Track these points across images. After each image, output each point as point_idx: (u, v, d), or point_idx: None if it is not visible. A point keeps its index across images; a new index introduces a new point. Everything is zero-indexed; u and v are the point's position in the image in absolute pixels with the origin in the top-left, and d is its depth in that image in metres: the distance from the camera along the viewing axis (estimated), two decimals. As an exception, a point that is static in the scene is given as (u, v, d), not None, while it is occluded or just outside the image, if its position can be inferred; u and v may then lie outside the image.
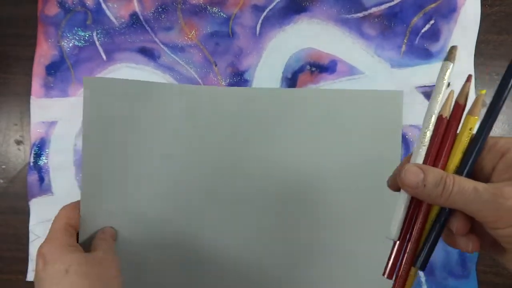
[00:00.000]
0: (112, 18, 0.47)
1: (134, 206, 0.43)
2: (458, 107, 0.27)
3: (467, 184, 0.25)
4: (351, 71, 0.45)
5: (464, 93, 0.27)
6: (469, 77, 0.27)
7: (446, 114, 0.27)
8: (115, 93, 0.42)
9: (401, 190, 0.27)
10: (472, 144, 0.26)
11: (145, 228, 0.44)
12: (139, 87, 0.42)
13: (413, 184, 0.26)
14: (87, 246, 0.40)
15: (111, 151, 0.42)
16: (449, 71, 0.27)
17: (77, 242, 0.40)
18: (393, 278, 0.28)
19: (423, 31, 0.45)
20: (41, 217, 0.46)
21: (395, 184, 0.29)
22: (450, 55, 0.27)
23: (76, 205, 0.41)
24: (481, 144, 0.26)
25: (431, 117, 0.27)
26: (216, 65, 0.46)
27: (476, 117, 0.27)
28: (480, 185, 0.24)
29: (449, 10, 0.45)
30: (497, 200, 0.24)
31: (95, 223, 0.42)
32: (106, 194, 0.43)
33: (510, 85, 0.25)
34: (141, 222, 0.44)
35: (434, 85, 0.45)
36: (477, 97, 0.27)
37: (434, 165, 0.27)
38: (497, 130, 0.44)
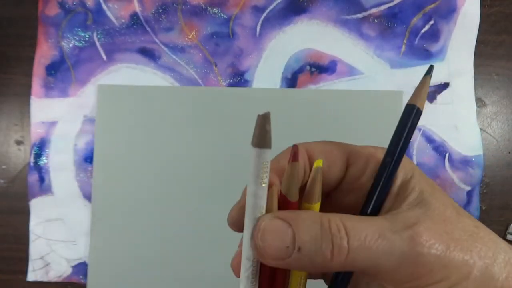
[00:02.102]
0: (113, 18, 0.47)
1: (141, 204, 0.44)
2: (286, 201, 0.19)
3: (367, 231, 0.17)
4: (351, 71, 0.45)
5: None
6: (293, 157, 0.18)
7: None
8: (126, 99, 0.45)
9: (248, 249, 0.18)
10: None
11: (148, 227, 0.44)
12: (145, 92, 0.45)
13: (279, 254, 0.17)
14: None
15: (121, 153, 0.45)
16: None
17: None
18: None
19: (422, 31, 0.45)
20: (41, 217, 0.46)
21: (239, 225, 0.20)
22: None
23: None
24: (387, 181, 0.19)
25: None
26: (216, 66, 0.46)
27: (315, 204, 0.19)
28: (384, 228, 0.17)
29: (448, 11, 0.45)
30: (417, 251, 0.16)
31: (106, 216, 0.43)
32: (116, 194, 0.44)
33: (408, 128, 0.20)
34: (145, 221, 0.44)
35: (434, 86, 0.45)
36: (312, 180, 0.19)
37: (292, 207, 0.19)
38: (497, 130, 0.44)
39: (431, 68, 0.19)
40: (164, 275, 0.44)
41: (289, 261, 0.17)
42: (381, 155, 0.20)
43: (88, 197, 0.46)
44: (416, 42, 0.45)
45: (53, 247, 0.46)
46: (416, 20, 0.45)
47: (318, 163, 0.19)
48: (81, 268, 0.45)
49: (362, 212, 0.19)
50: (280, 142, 0.44)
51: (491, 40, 0.45)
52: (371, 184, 0.19)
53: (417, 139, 0.44)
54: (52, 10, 0.48)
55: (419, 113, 0.19)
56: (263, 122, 0.16)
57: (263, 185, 0.17)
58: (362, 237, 0.17)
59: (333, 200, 0.21)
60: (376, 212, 0.19)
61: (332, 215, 0.17)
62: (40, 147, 0.47)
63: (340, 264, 0.17)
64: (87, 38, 0.47)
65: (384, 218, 0.18)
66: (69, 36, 0.47)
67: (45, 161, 0.47)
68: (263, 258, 0.18)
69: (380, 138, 0.43)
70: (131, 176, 0.45)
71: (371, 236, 0.17)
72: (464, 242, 0.17)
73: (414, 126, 0.20)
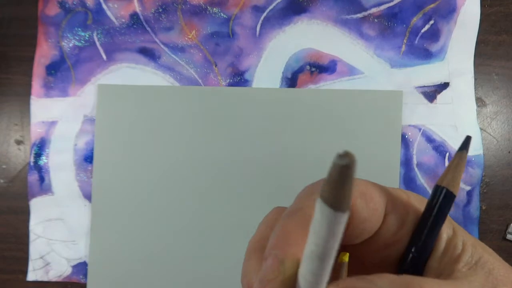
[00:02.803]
0: (113, 18, 0.47)
1: (141, 205, 0.44)
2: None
3: None
4: (351, 71, 0.45)
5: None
6: None
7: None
8: (126, 99, 0.45)
9: None
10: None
11: (148, 227, 0.44)
12: (145, 92, 0.45)
13: None
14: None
15: (121, 152, 0.45)
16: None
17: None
18: None
19: (422, 31, 0.45)
20: (41, 217, 0.46)
21: None
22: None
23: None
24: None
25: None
26: (216, 65, 0.46)
27: None
28: None
29: (448, 10, 0.45)
30: None
31: (106, 216, 0.43)
32: (116, 194, 0.44)
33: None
34: (145, 221, 0.44)
35: (434, 85, 0.45)
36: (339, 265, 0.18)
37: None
38: (497, 129, 0.44)
39: (467, 140, 0.17)
40: (164, 275, 0.44)
41: None
42: (416, 203, 0.18)
43: (88, 197, 0.46)
44: (416, 41, 0.45)
45: (53, 247, 0.46)
46: (416, 19, 0.45)
47: (344, 258, 0.17)
48: (81, 268, 0.45)
49: (401, 270, 0.18)
50: (280, 142, 0.44)
51: (491, 40, 0.45)
52: (411, 238, 0.18)
53: (417, 139, 0.44)
54: (52, 10, 0.48)
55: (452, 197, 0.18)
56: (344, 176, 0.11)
57: (331, 264, 0.13)
58: None
59: (359, 253, 0.19)
60: (420, 271, 0.18)
61: (424, 282, 0.15)
62: (40, 147, 0.47)
63: None
64: (87, 38, 0.47)
65: (462, 284, 0.16)
66: (69, 36, 0.47)
67: (45, 161, 0.47)
68: None
69: (380, 138, 0.43)
70: (131, 176, 0.45)
71: None
72: None
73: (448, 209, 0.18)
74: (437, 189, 0.18)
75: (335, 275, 0.16)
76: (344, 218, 0.12)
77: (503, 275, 0.17)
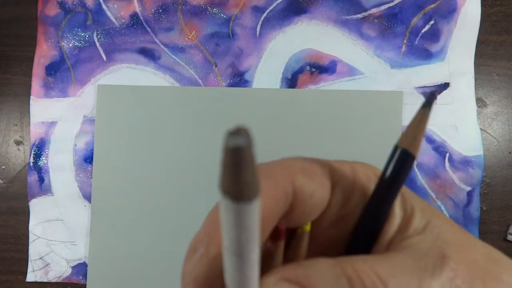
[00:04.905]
0: (113, 18, 0.47)
1: (141, 206, 0.44)
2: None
3: (405, 278, 0.14)
4: (351, 71, 0.45)
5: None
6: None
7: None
8: (126, 99, 0.45)
9: None
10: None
11: (148, 227, 0.44)
12: (145, 92, 0.45)
13: None
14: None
15: (121, 153, 0.45)
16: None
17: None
18: None
19: (423, 31, 0.45)
20: (41, 218, 0.46)
21: None
22: None
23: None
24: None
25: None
26: (216, 66, 0.46)
27: None
28: (416, 269, 0.14)
29: (449, 11, 0.45)
30: None
31: (106, 216, 0.43)
32: (116, 194, 0.44)
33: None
34: (145, 221, 0.44)
35: (434, 85, 0.45)
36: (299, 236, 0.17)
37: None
38: (497, 130, 0.44)
39: (432, 97, 0.15)
40: (164, 275, 0.44)
41: None
42: (363, 174, 0.17)
43: (88, 197, 0.46)
44: (416, 42, 0.45)
45: (53, 248, 0.46)
46: (416, 20, 0.45)
47: (306, 227, 0.16)
48: (81, 268, 0.45)
49: (348, 250, 0.17)
50: (280, 142, 0.44)
51: (492, 40, 0.45)
52: (363, 210, 0.16)
53: (417, 139, 0.44)
54: (52, 10, 0.48)
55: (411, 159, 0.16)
56: (238, 158, 0.09)
57: (252, 258, 0.12)
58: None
59: (314, 233, 0.18)
60: (368, 249, 0.16)
61: (357, 262, 0.14)
62: (40, 147, 0.47)
63: None
64: (87, 38, 0.47)
65: (403, 255, 0.15)
66: (69, 36, 0.47)
67: (45, 161, 0.47)
68: None
69: (380, 138, 0.43)
70: (131, 176, 0.45)
71: (412, 285, 0.14)
72: (491, 273, 0.15)
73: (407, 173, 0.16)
74: (395, 150, 0.16)
75: (296, 246, 0.16)
76: (251, 208, 0.10)
77: (451, 238, 0.16)
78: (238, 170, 0.09)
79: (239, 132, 0.08)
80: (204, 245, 0.14)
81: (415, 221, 0.16)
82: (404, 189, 0.17)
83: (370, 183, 0.17)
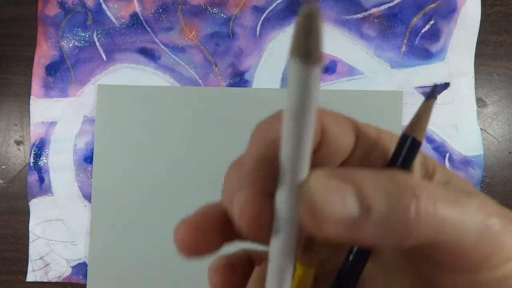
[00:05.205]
0: (113, 18, 0.47)
1: (141, 206, 0.44)
2: None
3: (441, 192, 0.13)
4: (351, 71, 0.45)
5: None
6: None
7: None
8: (126, 99, 0.45)
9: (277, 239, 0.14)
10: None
11: (148, 227, 0.44)
12: (145, 92, 0.45)
13: (342, 217, 0.12)
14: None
15: (121, 153, 0.45)
16: None
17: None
18: None
19: (423, 31, 0.45)
20: (41, 218, 0.46)
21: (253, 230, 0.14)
22: None
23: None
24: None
25: None
26: (216, 66, 0.46)
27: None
28: (452, 193, 0.14)
29: (449, 10, 0.45)
30: (489, 222, 0.15)
31: (106, 216, 0.43)
32: (116, 194, 0.44)
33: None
34: (145, 221, 0.44)
35: (433, 85, 0.45)
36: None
37: None
38: (497, 130, 0.44)
39: (435, 89, 0.16)
40: (164, 275, 0.44)
41: (356, 228, 0.12)
42: (387, 136, 0.18)
43: (88, 197, 0.46)
44: (416, 42, 0.45)
45: (53, 248, 0.46)
46: (416, 20, 0.45)
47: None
48: (81, 268, 0.45)
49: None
50: (280, 142, 0.44)
51: (492, 40, 0.45)
52: (389, 161, 0.17)
53: (417, 139, 0.44)
54: (52, 10, 0.48)
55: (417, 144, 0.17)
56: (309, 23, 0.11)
57: (310, 124, 0.12)
58: (442, 198, 0.13)
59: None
60: None
61: (403, 173, 0.13)
62: (40, 147, 0.47)
63: (425, 228, 0.12)
64: (87, 38, 0.47)
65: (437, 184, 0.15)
66: (69, 36, 0.47)
67: (45, 161, 0.47)
68: (319, 225, 0.12)
69: (380, 138, 0.43)
70: (131, 176, 0.45)
71: (450, 198, 0.13)
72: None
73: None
74: (404, 138, 0.17)
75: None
76: (317, 70, 0.11)
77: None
78: (311, 33, 0.11)
79: (310, 7, 0.11)
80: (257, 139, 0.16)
81: (436, 178, 0.17)
82: (426, 154, 0.18)
83: (392, 146, 0.17)
